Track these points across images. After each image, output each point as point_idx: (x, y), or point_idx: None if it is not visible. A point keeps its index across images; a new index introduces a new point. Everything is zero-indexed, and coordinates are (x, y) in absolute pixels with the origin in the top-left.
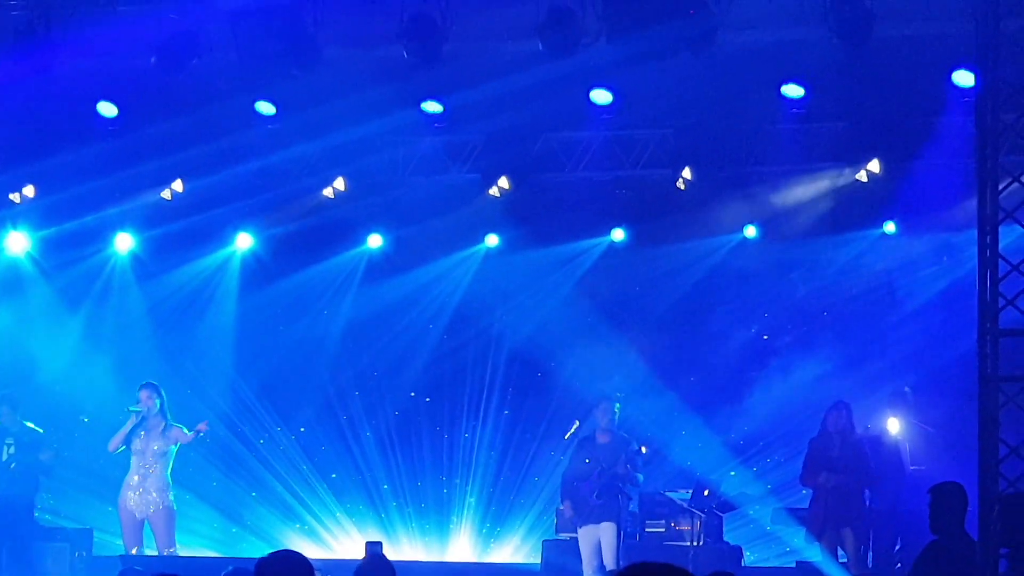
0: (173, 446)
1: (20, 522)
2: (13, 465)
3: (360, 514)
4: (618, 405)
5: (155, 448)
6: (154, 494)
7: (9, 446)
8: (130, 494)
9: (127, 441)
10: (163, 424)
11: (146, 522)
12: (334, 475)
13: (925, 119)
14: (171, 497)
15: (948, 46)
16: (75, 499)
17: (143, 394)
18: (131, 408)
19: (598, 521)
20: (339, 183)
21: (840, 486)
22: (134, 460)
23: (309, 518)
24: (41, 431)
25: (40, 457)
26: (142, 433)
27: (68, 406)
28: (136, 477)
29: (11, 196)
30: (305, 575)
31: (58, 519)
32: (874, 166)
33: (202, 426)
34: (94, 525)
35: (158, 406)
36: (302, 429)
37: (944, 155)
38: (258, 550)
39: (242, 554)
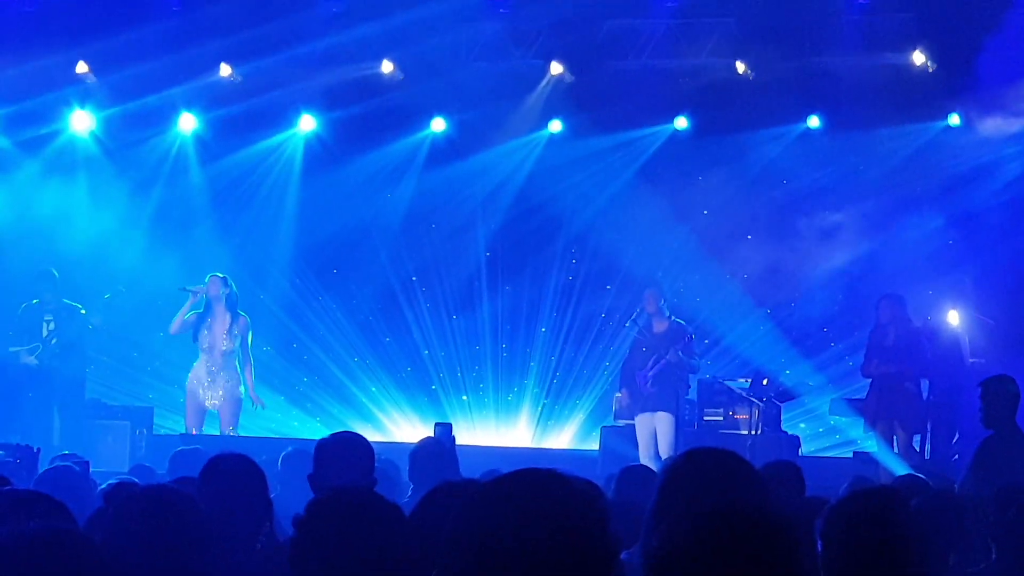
0: (238, 339)
1: (70, 396)
2: (54, 340)
3: (418, 399)
4: (663, 301)
5: (223, 347)
6: (222, 390)
7: (48, 322)
8: (198, 387)
9: (194, 335)
10: (229, 318)
11: (210, 411)
12: (395, 361)
13: (990, 9)
14: (241, 388)
15: None
16: (135, 379)
17: (212, 280)
18: (186, 288)
19: (654, 410)
20: (403, 67)
21: (892, 376)
22: (203, 356)
23: (368, 403)
24: (81, 307)
25: (92, 321)
26: (206, 329)
27: (132, 287)
28: (208, 372)
29: (77, 71)
30: (366, 456)
31: (115, 395)
32: (937, 56)
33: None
34: (155, 403)
35: (224, 297)
36: (364, 314)
37: (1010, 45)
38: (318, 433)
39: (302, 436)
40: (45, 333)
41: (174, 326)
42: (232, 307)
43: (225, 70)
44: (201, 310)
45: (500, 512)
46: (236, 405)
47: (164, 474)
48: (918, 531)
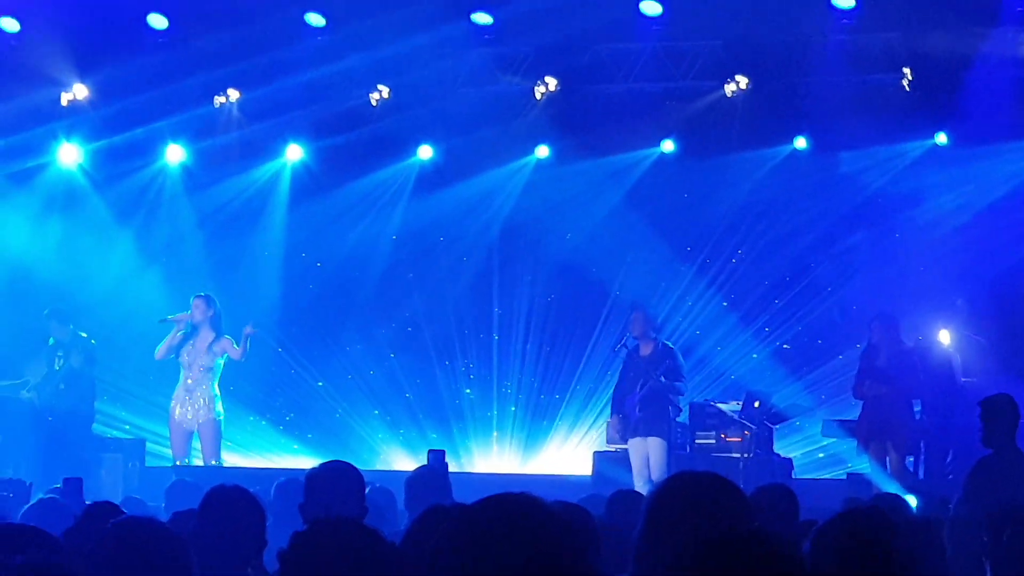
0: (220, 359)
1: (72, 431)
2: (60, 379)
3: (407, 426)
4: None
5: (202, 361)
6: (201, 406)
7: (60, 358)
8: (177, 406)
9: (176, 352)
10: (212, 336)
11: (194, 433)
12: (385, 387)
13: (975, 28)
14: (217, 409)
15: None
16: (130, 410)
17: (196, 303)
18: (166, 319)
19: (645, 435)
20: (389, 94)
21: (884, 396)
22: (182, 372)
23: (358, 430)
24: (93, 341)
25: (71, 362)
26: (191, 345)
27: (119, 318)
28: (185, 389)
29: (63, 103)
30: (356, 485)
31: (111, 430)
32: (923, 76)
33: (248, 329)
34: (147, 435)
35: (208, 317)
36: (353, 343)
37: (998, 65)
38: (306, 462)
39: (291, 465)
40: (57, 367)
41: (160, 352)
42: (216, 325)
43: (233, 94)
44: (188, 331)
45: (479, 539)
46: (215, 430)
47: (156, 506)
48: (905, 551)
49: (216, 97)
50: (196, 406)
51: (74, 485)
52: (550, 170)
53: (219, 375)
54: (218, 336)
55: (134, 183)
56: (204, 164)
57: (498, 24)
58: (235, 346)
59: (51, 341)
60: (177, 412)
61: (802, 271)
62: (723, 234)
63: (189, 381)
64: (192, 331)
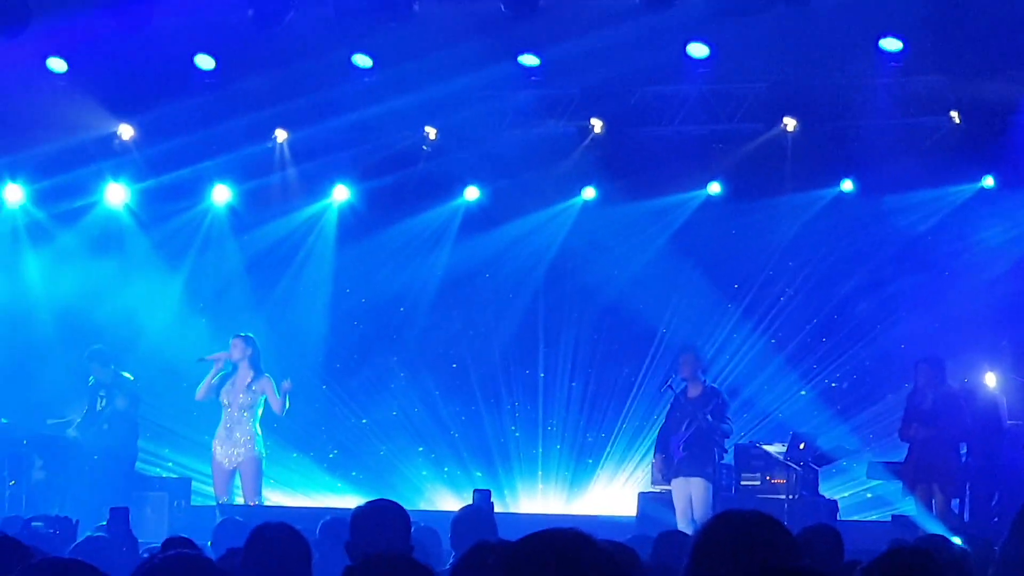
0: (261, 397)
1: (123, 473)
2: (104, 418)
3: (452, 465)
4: (698, 366)
5: (241, 400)
6: (241, 445)
7: (102, 398)
8: (218, 445)
9: (216, 392)
10: (251, 375)
11: (236, 472)
12: (426, 425)
13: (1022, 72)
14: (258, 448)
15: None
16: (175, 449)
17: (235, 342)
18: (203, 358)
19: (688, 475)
20: (435, 135)
21: (930, 439)
22: (224, 411)
23: (402, 468)
24: (132, 377)
25: (116, 404)
26: (230, 385)
27: (165, 357)
28: (225, 428)
29: (110, 143)
30: (402, 525)
31: (156, 468)
32: (972, 119)
33: (286, 384)
34: (193, 474)
35: (248, 356)
36: (402, 373)
37: None
38: (351, 501)
39: (335, 503)
40: (100, 408)
41: (200, 392)
42: (255, 364)
43: (280, 135)
44: (228, 371)
45: (527, 574)
46: (256, 469)
47: (203, 545)
48: None
49: (263, 138)
50: (236, 445)
51: (120, 515)
52: (596, 211)
53: (260, 413)
54: (258, 375)
55: (181, 223)
56: (250, 205)
57: (545, 66)
58: (276, 395)
59: (91, 381)
60: (218, 451)
61: (849, 312)
62: (769, 275)
63: (230, 421)
64: (232, 370)
